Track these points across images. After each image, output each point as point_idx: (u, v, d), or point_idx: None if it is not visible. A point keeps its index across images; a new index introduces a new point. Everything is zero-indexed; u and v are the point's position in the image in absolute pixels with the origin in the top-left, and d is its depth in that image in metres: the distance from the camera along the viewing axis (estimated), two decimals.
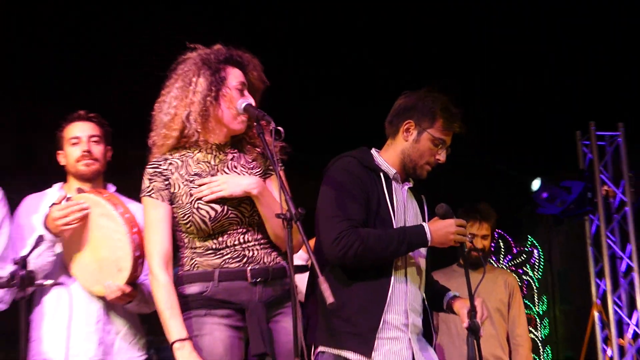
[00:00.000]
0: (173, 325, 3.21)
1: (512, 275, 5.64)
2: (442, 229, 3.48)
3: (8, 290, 3.55)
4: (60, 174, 4.07)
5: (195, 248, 3.38)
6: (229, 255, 3.34)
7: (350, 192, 3.54)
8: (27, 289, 3.44)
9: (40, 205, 3.98)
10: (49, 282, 3.75)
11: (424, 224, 3.53)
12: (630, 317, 6.97)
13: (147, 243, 3.38)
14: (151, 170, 3.35)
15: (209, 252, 3.35)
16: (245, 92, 3.37)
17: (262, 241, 3.40)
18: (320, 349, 3.52)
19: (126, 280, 3.63)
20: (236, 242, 3.36)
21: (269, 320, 3.36)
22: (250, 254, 3.36)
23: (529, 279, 10.72)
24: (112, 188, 4.06)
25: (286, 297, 3.36)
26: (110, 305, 3.85)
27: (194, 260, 3.35)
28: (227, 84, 3.35)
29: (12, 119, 6.40)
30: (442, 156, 3.62)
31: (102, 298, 3.80)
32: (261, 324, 3.28)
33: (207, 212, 3.27)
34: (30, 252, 3.62)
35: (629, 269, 7.05)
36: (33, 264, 3.64)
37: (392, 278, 3.51)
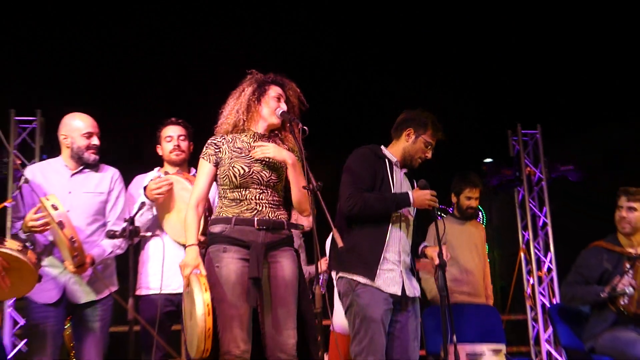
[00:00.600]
0: (188, 236, 3.21)
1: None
2: (420, 196, 3.51)
3: (123, 240, 3.51)
4: (158, 162, 4.08)
5: (225, 198, 3.32)
6: (245, 207, 3.27)
7: (362, 169, 3.60)
8: (134, 239, 3.45)
9: (144, 182, 3.94)
10: (149, 233, 3.81)
11: (409, 191, 3.56)
12: (545, 257, 6.93)
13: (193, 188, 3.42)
14: (209, 142, 3.35)
15: (233, 202, 3.29)
16: (282, 101, 3.33)
17: (272, 201, 3.33)
18: (340, 274, 3.55)
19: (201, 232, 3.58)
20: (252, 198, 3.29)
21: (270, 259, 3.30)
22: (260, 208, 3.28)
23: None
24: (193, 171, 4.00)
25: (282, 243, 3.32)
26: None
27: (222, 209, 3.31)
28: (268, 93, 3.33)
29: (127, 124, 6.36)
30: (429, 154, 3.69)
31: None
32: (259, 257, 3.23)
33: (238, 170, 3.24)
34: (136, 213, 3.61)
35: (545, 224, 7.00)
36: (138, 221, 3.65)
37: (390, 227, 3.54)
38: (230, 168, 3.27)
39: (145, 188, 3.77)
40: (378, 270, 3.47)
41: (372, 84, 7.29)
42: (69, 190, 3.65)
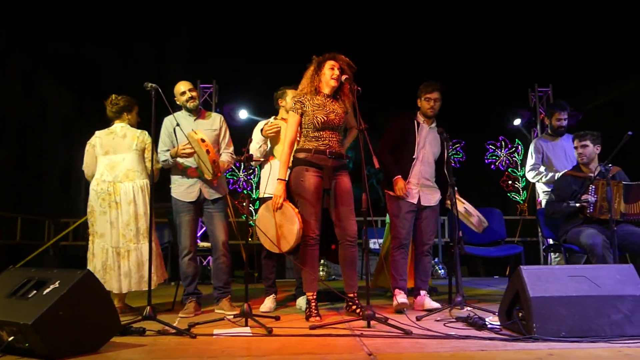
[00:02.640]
0: (280, 171, 3.88)
1: None
2: (395, 185, 4.31)
3: (236, 160, 4.26)
4: (274, 113, 4.89)
5: (307, 136, 3.90)
6: (321, 142, 3.89)
7: (390, 132, 4.47)
8: (251, 162, 4.01)
9: (260, 126, 4.75)
10: (261, 159, 4.64)
11: (398, 176, 4.35)
12: None
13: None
14: (295, 100, 3.95)
15: (313, 139, 3.89)
16: (335, 70, 3.91)
17: (338, 138, 3.93)
18: (385, 190, 4.46)
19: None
20: (326, 137, 3.90)
21: (336, 176, 3.93)
22: (331, 144, 3.91)
23: None
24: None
25: (343, 167, 3.96)
26: None
27: (305, 142, 3.90)
28: (324, 66, 3.94)
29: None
30: (432, 105, 4.44)
31: None
32: (329, 176, 3.86)
33: (320, 118, 3.85)
34: (249, 145, 4.61)
35: None
36: (258, 151, 4.56)
37: (413, 166, 4.44)
38: (314, 117, 3.85)
39: (262, 130, 4.57)
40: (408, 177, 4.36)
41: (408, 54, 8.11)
42: (194, 129, 4.30)
